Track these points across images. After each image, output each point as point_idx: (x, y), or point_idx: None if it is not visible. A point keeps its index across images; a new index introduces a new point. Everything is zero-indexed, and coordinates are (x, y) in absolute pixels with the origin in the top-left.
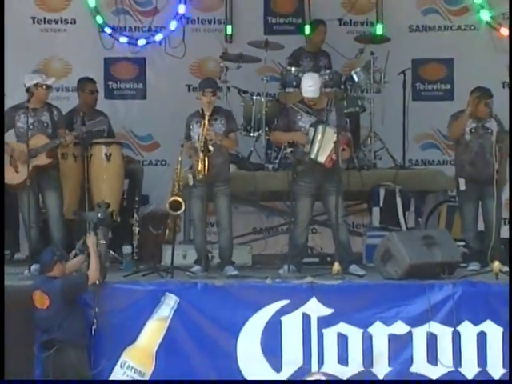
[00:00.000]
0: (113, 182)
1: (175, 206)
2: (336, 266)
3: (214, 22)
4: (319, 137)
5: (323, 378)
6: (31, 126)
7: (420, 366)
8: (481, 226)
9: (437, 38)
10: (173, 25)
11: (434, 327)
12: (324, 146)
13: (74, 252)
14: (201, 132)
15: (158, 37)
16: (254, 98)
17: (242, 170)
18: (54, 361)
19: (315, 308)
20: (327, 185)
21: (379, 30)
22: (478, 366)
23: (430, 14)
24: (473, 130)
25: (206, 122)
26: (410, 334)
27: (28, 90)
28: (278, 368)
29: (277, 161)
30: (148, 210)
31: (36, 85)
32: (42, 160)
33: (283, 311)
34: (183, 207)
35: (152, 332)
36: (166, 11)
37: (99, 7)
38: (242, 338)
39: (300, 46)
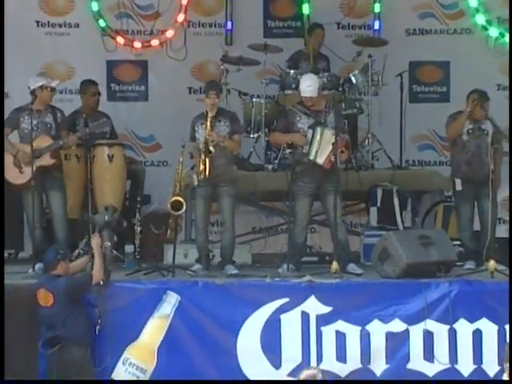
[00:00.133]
0: (115, 182)
1: (177, 205)
2: (334, 265)
3: (215, 26)
4: (317, 138)
5: (319, 374)
6: (35, 128)
7: (417, 363)
8: (476, 226)
9: (433, 41)
10: (169, 33)
11: (431, 325)
12: (322, 147)
13: (76, 251)
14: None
15: (154, 42)
16: (254, 100)
17: (242, 170)
18: (57, 358)
19: (314, 306)
20: (326, 185)
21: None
22: (474, 363)
23: (427, 18)
24: (470, 131)
25: (208, 123)
26: (407, 331)
27: (33, 92)
28: (277, 365)
29: (276, 161)
30: (150, 210)
31: (41, 87)
32: (46, 160)
33: (282, 309)
34: (184, 207)
35: (154, 329)
36: (168, 15)
37: (102, 11)
38: (242, 336)
39: (299, 49)
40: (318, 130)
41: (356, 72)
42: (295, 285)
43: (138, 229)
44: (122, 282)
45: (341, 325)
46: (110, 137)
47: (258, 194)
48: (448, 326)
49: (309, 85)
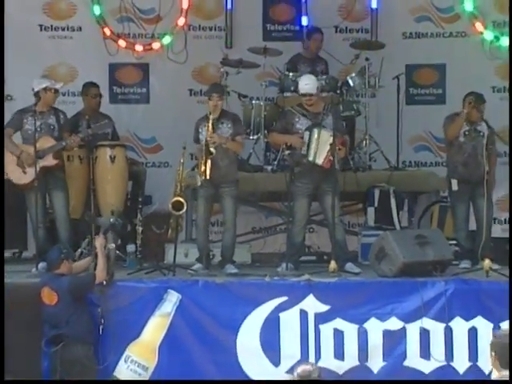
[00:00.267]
0: (117, 183)
1: (177, 206)
2: (332, 264)
3: (215, 29)
4: (315, 140)
5: (315, 371)
6: (38, 129)
7: (413, 360)
8: (472, 226)
9: (429, 44)
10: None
11: (427, 323)
12: (321, 148)
13: (79, 250)
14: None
15: (156, 45)
16: (254, 102)
17: (242, 171)
18: (61, 356)
19: (312, 305)
20: (324, 186)
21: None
22: (469, 360)
23: (423, 21)
24: (466, 133)
25: (210, 125)
26: (403, 329)
27: (36, 93)
28: (276, 362)
29: (275, 163)
30: (151, 210)
31: (45, 89)
32: (49, 161)
33: (281, 308)
34: (185, 207)
35: (155, 328)
36: (169, 19)
37: (104, 15)
38: (242, 334)
39: (298, 52)
40: (316, 131)
41: (353, 75)
42: (294, 284)
43: (140, 229)
44: (124, 281)
45: (339, 323)
46: (111, 138)
47: (257, 194)
48: (444, 324)
49: (307, 83)
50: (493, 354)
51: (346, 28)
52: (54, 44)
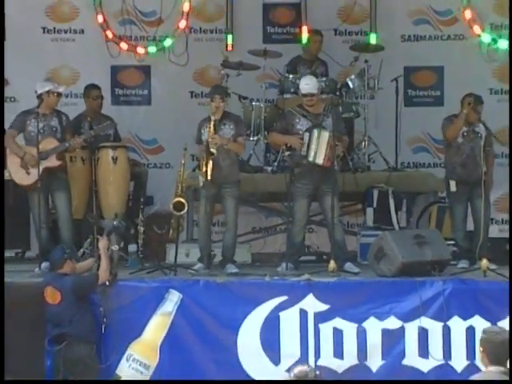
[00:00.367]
0: (119, 183)
1: (178, 206)
2: (332, 264)
3: (216, 32)
4: (315, 139)
5: (311, 372)
6: (41, 131)
7: (412, 359)
8: (470, 226)
9: (428, 47)
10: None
11: (425, 322)
12: (320, 148)
13: (81, 250)
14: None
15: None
16: (254, 103)
17: (242, 172)
18: (64, 355)
19: (312, 304)
20: (323, 186)
21: (373, 39)
22: (467, 359)
23: (422, 24)
24: (465, 134)
25: (211, 126)
26: (402, 328)
27: (39, 96)
28: (276, 361)
29: (275, 163)
30: (152, 211)
31: (48, 92)
32: (52, 162)
33: (281, 307)
34: (186, 208)
35: (156, 327)
36: (170, 22)
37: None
38: (242, 333)
39: (298, 54)
40: (315, 131)
41: (353, 77)
42: (294, 283)
43: (141, 229)
44: (126, 281)
45: (338, 322)
46: (113, 139)
47: (257, 195)
48: (442, 323)
49: (308, 83)
50: (481, 349)
51: (346, 30)
52: (57, 46)
